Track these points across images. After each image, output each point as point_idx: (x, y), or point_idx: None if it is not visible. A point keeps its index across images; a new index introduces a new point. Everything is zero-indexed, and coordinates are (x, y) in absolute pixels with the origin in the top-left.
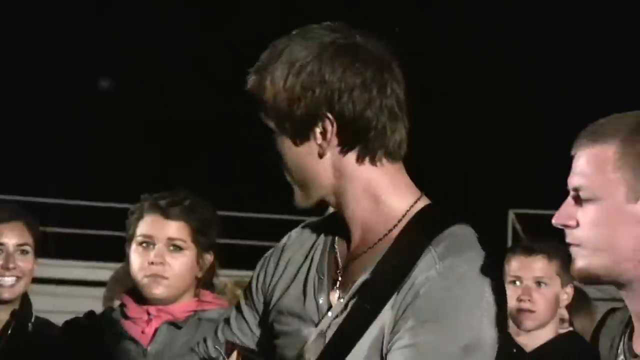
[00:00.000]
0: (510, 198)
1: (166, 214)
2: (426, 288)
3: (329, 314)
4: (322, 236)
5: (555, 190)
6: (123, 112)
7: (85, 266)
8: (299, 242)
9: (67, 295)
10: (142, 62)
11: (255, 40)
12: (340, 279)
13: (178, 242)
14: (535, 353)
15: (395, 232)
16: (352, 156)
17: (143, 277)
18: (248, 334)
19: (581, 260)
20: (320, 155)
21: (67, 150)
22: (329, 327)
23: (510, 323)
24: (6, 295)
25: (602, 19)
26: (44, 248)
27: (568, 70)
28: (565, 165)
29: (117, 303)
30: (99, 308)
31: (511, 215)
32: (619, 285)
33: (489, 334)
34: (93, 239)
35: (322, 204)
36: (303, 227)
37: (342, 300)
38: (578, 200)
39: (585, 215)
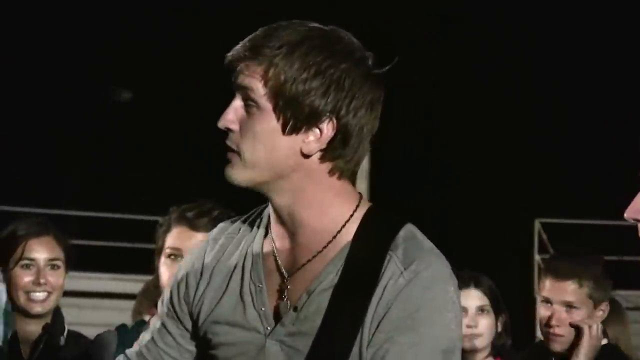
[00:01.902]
0: (536, 207)
1: (193, 225)
2: (398, 298)
3: (283, 324)
4: (249, 242)
5: (580, 199)
6: (145, 123)
7: (110, 278)
8: (220, 249)
9: (93, 307)
10: (161, 72)
11: None
12: (288, 287)
13: None
14: None
15: (345, 235)
16: (327, 165)
17: None
18: (174, 346)
19: None
20: (303, 152)
21: (91, 161)
22: (290, 336)
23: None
24: (38, 309)
25: (620, 31)
26: (74, 261)
27: (595, 79)
28: (590, 175)
29: (147, 317)
30: (124, 320)
31: (537, 224)
32: None
33: (459, 333)
34: (119, 251)
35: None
36: (220, 233)
37: (296, 310)
38: None
39: None
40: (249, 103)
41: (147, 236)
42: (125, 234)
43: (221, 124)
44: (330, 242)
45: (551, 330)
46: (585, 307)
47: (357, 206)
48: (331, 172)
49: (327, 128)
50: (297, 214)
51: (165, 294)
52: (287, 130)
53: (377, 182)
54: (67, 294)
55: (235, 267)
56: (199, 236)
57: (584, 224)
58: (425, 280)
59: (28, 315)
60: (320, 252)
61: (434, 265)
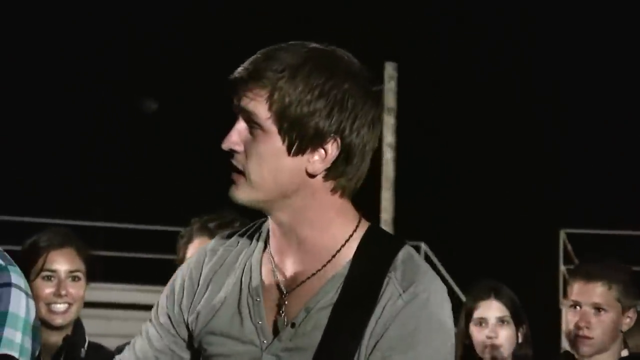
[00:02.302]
0: (561, 218)
1: (214, 236)
2: (396, 318)
3: (280, 339)
4: (247, 255)
5: (606, 209)
6: (168, 134)
7: (134, 289)
8: (218, 260)
9: (117, 318)
10: (186, 83)
11: None
12: (286, 303)
13: None
14: None
15: (344, 255)
16: (330, 183)
17: None
18: (167, 353)
19: None
20: (308, 172)
21: (113, 173)
22: (286, 352)
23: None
24: (59, 321)
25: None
26: (94, 272)
27: (627, 95)
28: (616, 185)
29: None
30: None
31: (562, 235)
32: None
33: (453, 353)
34: (141, 262)
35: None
36: (218, 245)
37: (293, 327)
38: None
39: None
40: (253, 125)
41: (172, 247)
42: (149, 244)
43: (225, 145)
44: (329, 260)
45: (580, 333)
46: (613, 310)
47: (357, 226)
48: (333, 191)
49: (332, 148)
50: (298, 232)
51: (161, 301)
52: (292, 151)
53: (401, 192)
54: (92, 305)
55: (233, 280)
56: None
57: (610, 235)
58: (423, 302)
59: (49, 326)
60: (319, 270)
61: (432, 288)
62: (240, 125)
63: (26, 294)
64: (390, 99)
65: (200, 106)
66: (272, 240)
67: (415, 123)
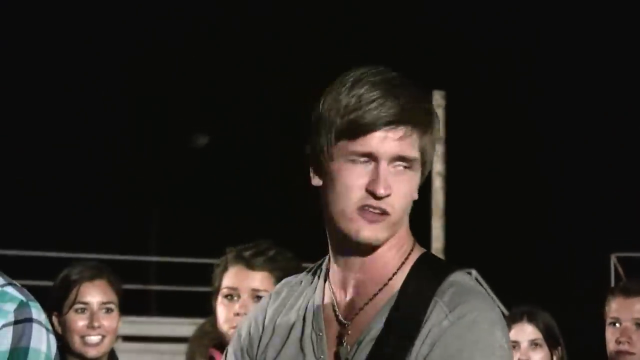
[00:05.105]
0: (612, 241)
1: (250, 264)
2: (442, 338)
3: None
4: (309, 294)
5: None
6: (216, 167)
7: (170, 322)
8: (282, 302)
9: (154, 351)
10: (236, 118)
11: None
12: (349, 333)
13: (262, 293)
14: None
15: (396, 282)
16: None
17: (229, 329)
18: None
19: None
20: (413, 199)
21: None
22: None
23: None
24: (93, 353)
25: None
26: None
27: None
28: None
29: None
30: None
31: (613, 258)
32: None
33: None
34: (194, 296)
35: None
36: (282, 286)
37: (349, 356)
38: None
39: None
40: (401, 165)
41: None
42: (197, 278)
43: (384, 192)
44: (385, 285)
45: (621, 347)
46: None
47: (411, 251)
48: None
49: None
50: (372, 261)
51: (230, 348)
52: (419, 186)
53: (452, 220)
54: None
55: (296, 319)
56: (256, 275)
57: None
58: (470, 323)
59: (84, 359)
60: (372, 297)
61: (480, 309)
62: (390, 169)
63: (47, 329)
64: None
65: (246, 139)
66: (334, 274)
67: (464, 151)
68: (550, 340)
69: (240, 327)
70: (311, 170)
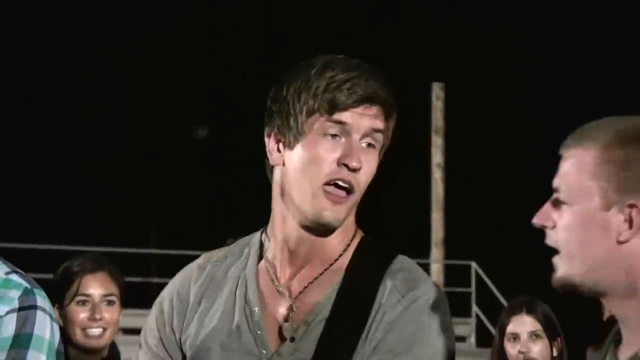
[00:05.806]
0: None
1: None
2: (396, 322)
3: (280, 353)
4: (239, 268)
5: None
6: (217, 160)
7: None
8: (207, 276)
9: None
10: (237, 111)
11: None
12: (294, 310)
13: None
14: None
15: (342, 263)
16: None
17: None
18: None
19: (559, 269)
20: None
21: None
22: None
23: None
24: (94, 345)
25: None
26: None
27: None
28: None
29: None
30: None
31: None
32: (598, 295)
33: (453, 353)
34: None
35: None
36: (205, 261)
37: (292, 340)
38: (557, 202)
39: (561, 218)
40: (368, 142)
41: None
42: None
43: (357, 164)
44: (326, 269)
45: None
46: None
47: (355, 234)
48: None
49: None
50: (322, 242)
51: (149, 323)
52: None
53: (451, 212)
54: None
55: (226, 294)
56: None
57: None
58: (423, 307)
59: (84, 350)
60: (316, 278)
61: (430, 293)
62: (360, 143)
63: (51, 317)
64: (438, 118)
65: (249, 132)
66: (271, 251)
67: (463, 143)
68: (550, 331)
69: (161, 301)
70: (271, 150)
